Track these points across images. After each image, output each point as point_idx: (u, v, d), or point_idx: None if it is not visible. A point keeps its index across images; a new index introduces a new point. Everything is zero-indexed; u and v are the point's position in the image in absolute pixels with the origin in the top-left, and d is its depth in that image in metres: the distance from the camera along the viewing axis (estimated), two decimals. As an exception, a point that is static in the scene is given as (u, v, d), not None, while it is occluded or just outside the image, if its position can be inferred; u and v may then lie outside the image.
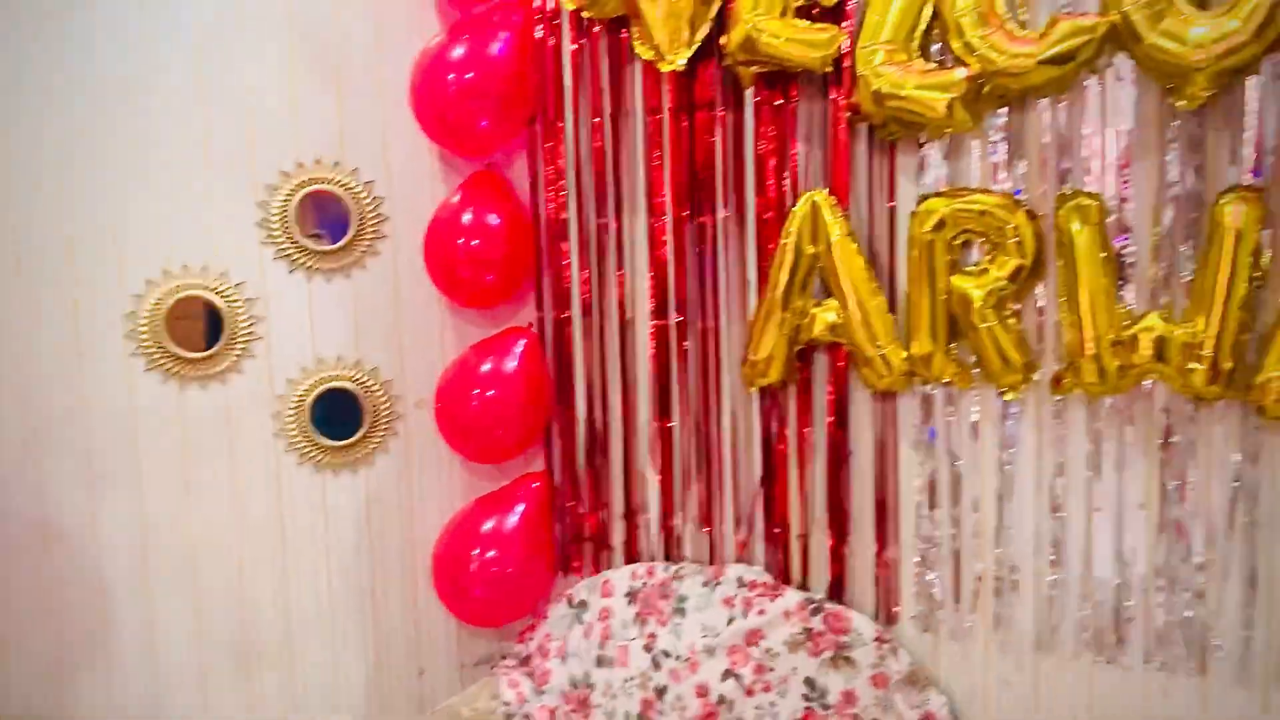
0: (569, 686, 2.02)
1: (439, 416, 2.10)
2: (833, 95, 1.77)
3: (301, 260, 2.08)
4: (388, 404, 2.17)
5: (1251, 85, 1.50)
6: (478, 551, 2.07)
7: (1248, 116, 1.51)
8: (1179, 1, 1.48)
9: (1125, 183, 1.60)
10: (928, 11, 1.66)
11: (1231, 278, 1.50)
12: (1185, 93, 1.50)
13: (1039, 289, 1.67)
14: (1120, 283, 1.60)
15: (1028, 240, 1.64)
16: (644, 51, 1.90)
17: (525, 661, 2.11)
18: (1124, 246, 1.60)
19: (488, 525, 2.09)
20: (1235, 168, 1.53)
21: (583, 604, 2.06)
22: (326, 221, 2.09)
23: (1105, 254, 1.60)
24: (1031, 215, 1.65)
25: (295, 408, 2.09)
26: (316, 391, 2.10)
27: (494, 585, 2.07)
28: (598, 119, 2.00)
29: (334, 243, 2.09)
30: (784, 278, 1.80)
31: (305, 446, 2.11)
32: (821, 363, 1.86)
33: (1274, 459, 1.56)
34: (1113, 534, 1.67)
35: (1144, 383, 1.61)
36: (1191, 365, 1.55)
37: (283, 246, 2.07)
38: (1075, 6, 1.58)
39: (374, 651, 2.20)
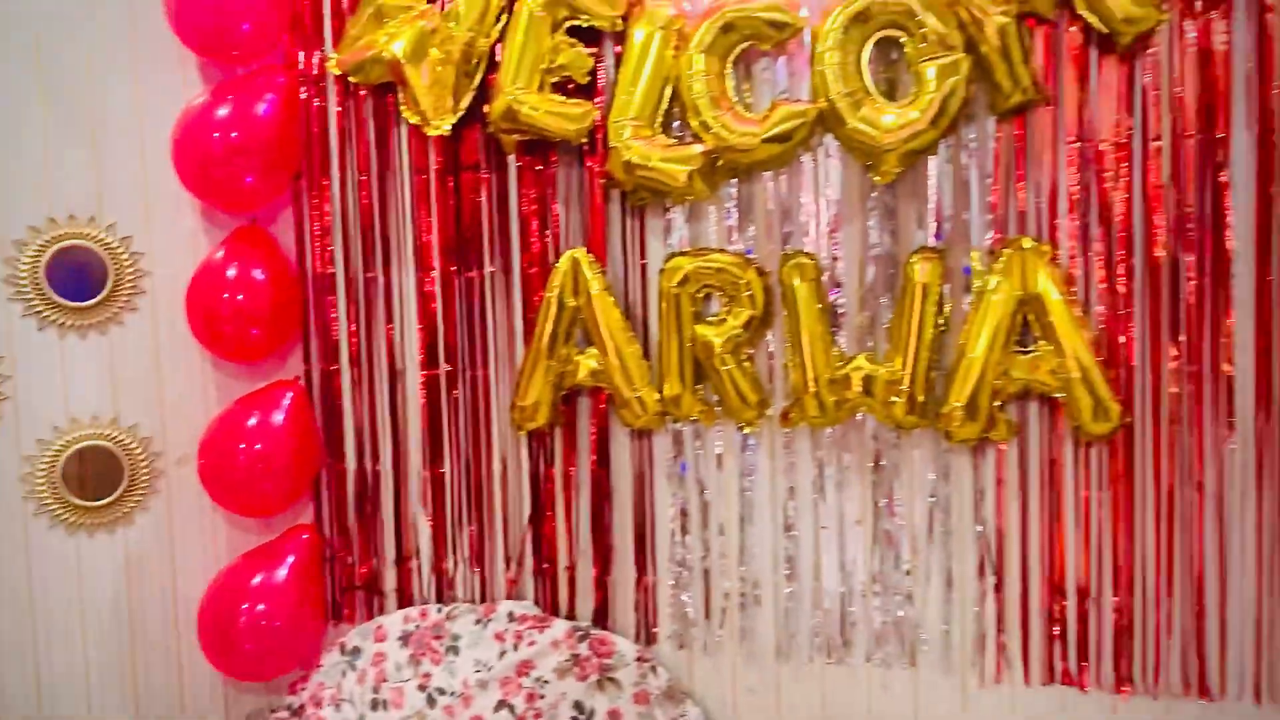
0: (344, 733, 2.05)
1: (204, 472, 2.09)
2: (589, 163, 1.96)
3: (52, 317, 2.03)
4: (147, 462, 2.13)
5: (932, 164, 1.81)
6: (246, 606, 2.06)
7: (930, 190, 1.82)
8: (873, 93, 1.78)
9: (835, 244, 1.87)
10: (668, 93, 1.88)
11: (920, 324, 1.80)
12: (880, 169, 1.79)
13: (769, 336, 1.92)
14: (834, 329, 1.87)
15: (758, 294, 1.88)
16: (410, 116, 2.02)
17: (298, 712, 2.11)
18: (836, 299, 1.88)
19: (256, 579, 2.08)
20: (922, 232, 1.83)
21: (355, 650, 2.10)
22: (80, 278, 2.05)
23: (821, 305, 1.86)
24: (761, 272, 1.89)
25: (46, 468, 2.02)
26: (69, 451, 2.04)
27: (264, 638, 2.07)
28: (365, 177, 2.08)
29: (89, 299, 2.05)
30: (549, 328, 1.96)
31: (57, 508, 2.03)
32: (584, 406, 2.02)
33: (961, 476, 1.86)
34: (836, 548, 1.92)
35: (856, 414, 1.88)
36: (893, 399, 1.83)
37: (31, 303, 2.01)
38: (792, 93, 1.85)
39: (136, 715, 2.12)
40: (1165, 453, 1.76)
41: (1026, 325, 1.78)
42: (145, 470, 2.13)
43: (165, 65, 2.10)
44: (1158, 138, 1.72)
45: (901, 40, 1.76)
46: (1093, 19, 1.70)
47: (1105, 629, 1.81)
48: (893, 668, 1.92)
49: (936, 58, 1.72)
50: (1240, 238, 1.71)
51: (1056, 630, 1.83)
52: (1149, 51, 1.71)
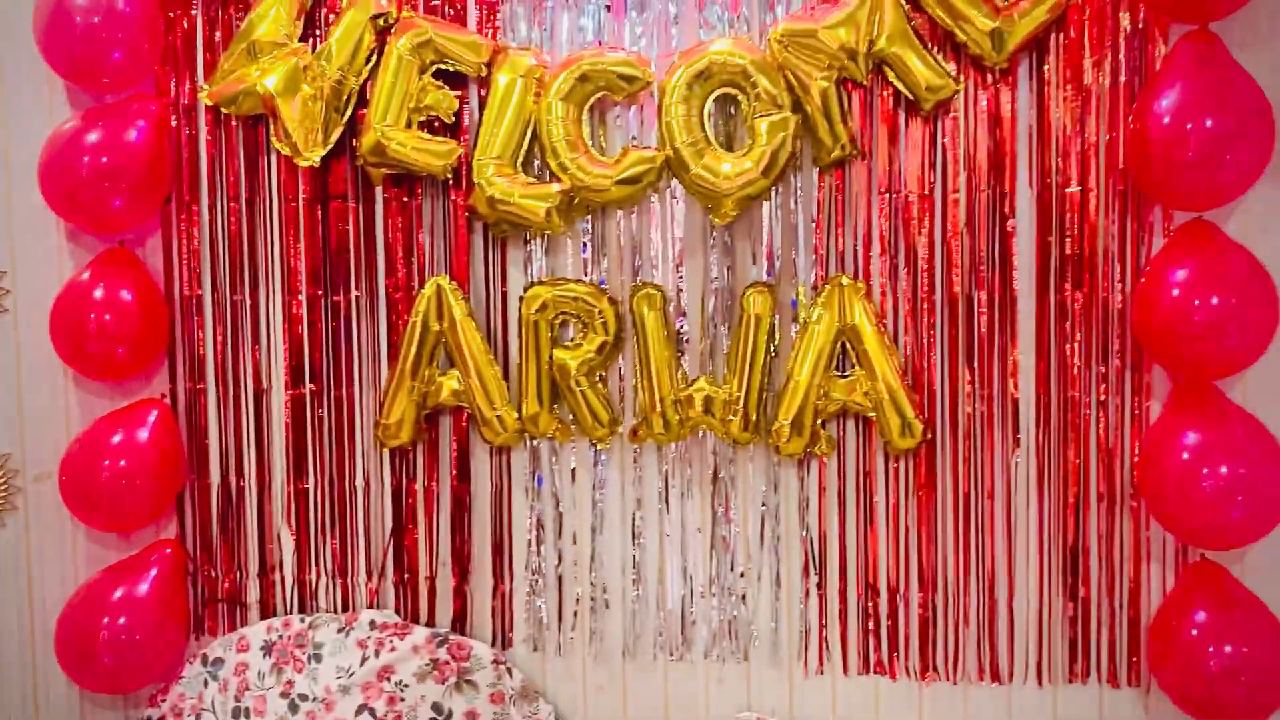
0: (205, 741, 2.11)
1: (66, 489, 2.11)
2: (453, 196, 2.10)
3: (-91, 332, 2.03)
4: (4, 479, 2.15)
5: (765, 208, 2.03)
6: (107, 620, 2.10)
7: (763, 231, 2.03)
8: (713, 144, 1.99)
9: (680, 277, 2.06)
10: (529, 135, 2.04)
11: (754, 351, 2.00)
12: (719, 212, 2.00)
13: (619, 360, 2.09)
14: (679, 354, 2.06)
15: (610, 321, 2.05)
16: (281, 147, 2.11)
17: (158, 723, 2.16)
18: (681, 326, 2.07)
19: (118, 593, 2.12)
20: (756, 268, 2.04)
21: (218, 661, 2.16)
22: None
23: (667, 332, 2.05)
24: (613, 301, 2.06)
25: (-101, 484, 2.02)
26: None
27: (124, 652, 2.10)
28: (234, 203, 2.17)
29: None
30: (413, 351, 2.08)
31: (-92, 524, 2.03)
32: (446, 424, 2.15)
33: (789, 487, 2.07)
34: (679, 554, 2.10)
35: (697, 432, 2.07)
36: (730, 417, 2.03)
37: (-113, 318, 2.01)
38: (641, 140, 2.04)
39: (-9, 730, 2.13)
40: (962, 465, 2.01)
41: (844, 352, 2.00)
42: (2, 488, 2.14)
43: (33, 90, 2.15)
44: (955, 190, 1.98)
45: (738, 97, 1.97)
46: (900, 86, 1.95)
47: (912, 622, 2.04)
48: (727, 662, 2.10)
49: (768, 115, 1.94)
50: (1023, 279, 1.98)
51: (870, 625, 2.06)
52: (948, 115, 1.97)
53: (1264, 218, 1.90)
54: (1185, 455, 1.84)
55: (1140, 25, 1.91)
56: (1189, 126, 1.79)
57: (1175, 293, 1.83)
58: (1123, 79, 1.92)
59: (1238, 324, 1.82)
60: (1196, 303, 1.81)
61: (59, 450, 2.16)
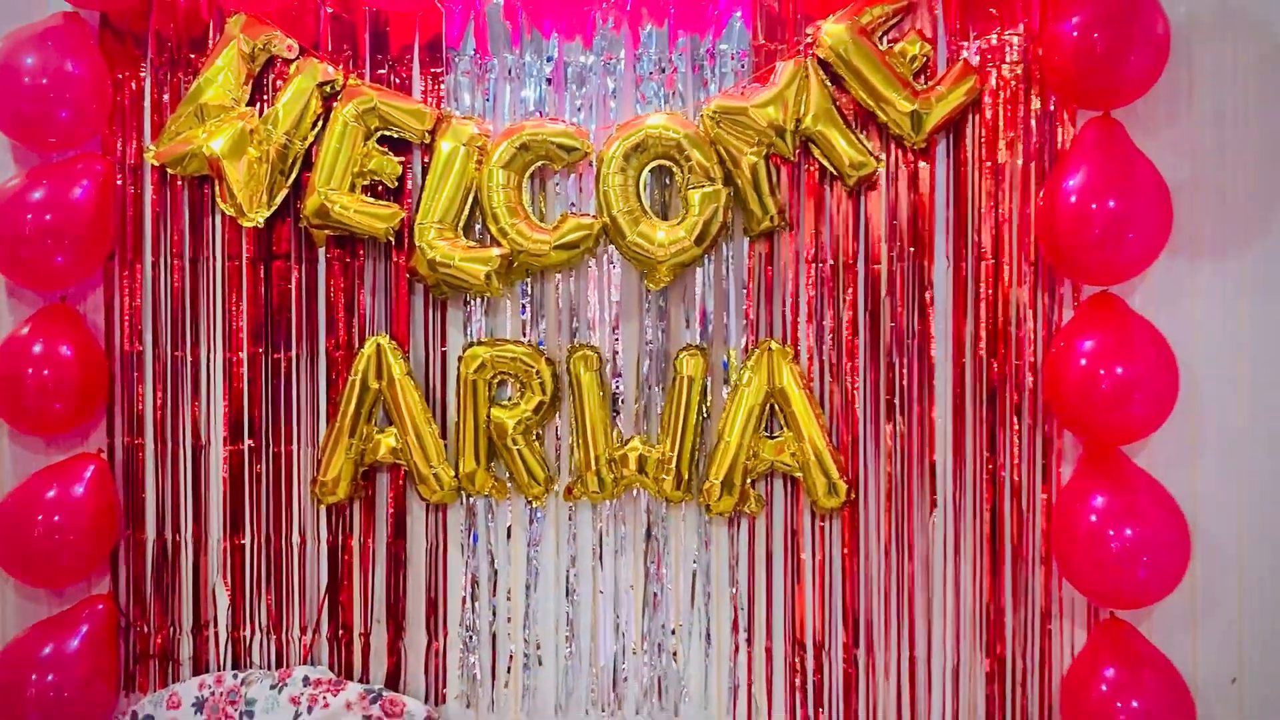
0: (132, 800, 2.09)
1: (-2, 544, 2.12)
2: (395, 257, 2.15)
3: None
4: (-66, 532, 2.13)
5: (698, 274, 2.11)
6: (35, 677, 2.09)
7: (695, 296, 2.11)
8: (649, 213, 2.07)
9: (616, 339, 2.13)
10: (470, 200, 2.11)
11: (686, 411, 2.07)
12: (654, 277, 2.07)
13: (556, 419, 2.15)
14: (614, 414, 2.12)
15: (547, 381, 2.11)
16: (226, 208, 2.15)
17: (84, 782, 2.14)
18: (616, 387, 2.13)
19: (46, 650, 2.11)
20: (688, 331, 2.12)
21: (149, 718, 2.15)
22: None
23: (603, 393, 2.11)
24: (550, 362, 2.12)
25: None
26: None
27: (52, 710, 2.09)
28: (178, 260, 2.20)
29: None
30: (351, 409, 2.12)
31: None
32: (383, 481, 2.18)
33: (719, 544, 2.13)
34: (612, 611, 2.15)
35: (631, 490, 2.13)
36: (663, 476, 2.09)
37: None
38: (580, 207, 2.12)
39: (-89, 790, 2.09)
40: (884, 525, 2.08)
41: (773, 414, 2.08)
42: (-68, 542, 2.12)
43: (-25, 145, 2.18)
44: (878, 261, 2.07)
45: (673, 169, 2.06)
46: (825, 162, 2.05)
47: (836, 678, 2.10)
48: (657, 717, 2.14)
49: (701, 186, 2.02)
50: (940, 346, 2.07)
51: (797, 680, 2.11)
52: (871, 190, 2.07)
53: (1165, 292, 2.02)
54: (1093, 518, 1.93)
55: (1050, 109, 2.04)
56: (1093, 206, 1.90)
57: (1082, 362, 1.93)
58: (1033, 158, 2.04)
59: (1141, 393, 1.92)
60: (1102, 372, 1.91)
61: (-9, 505, 2.16)
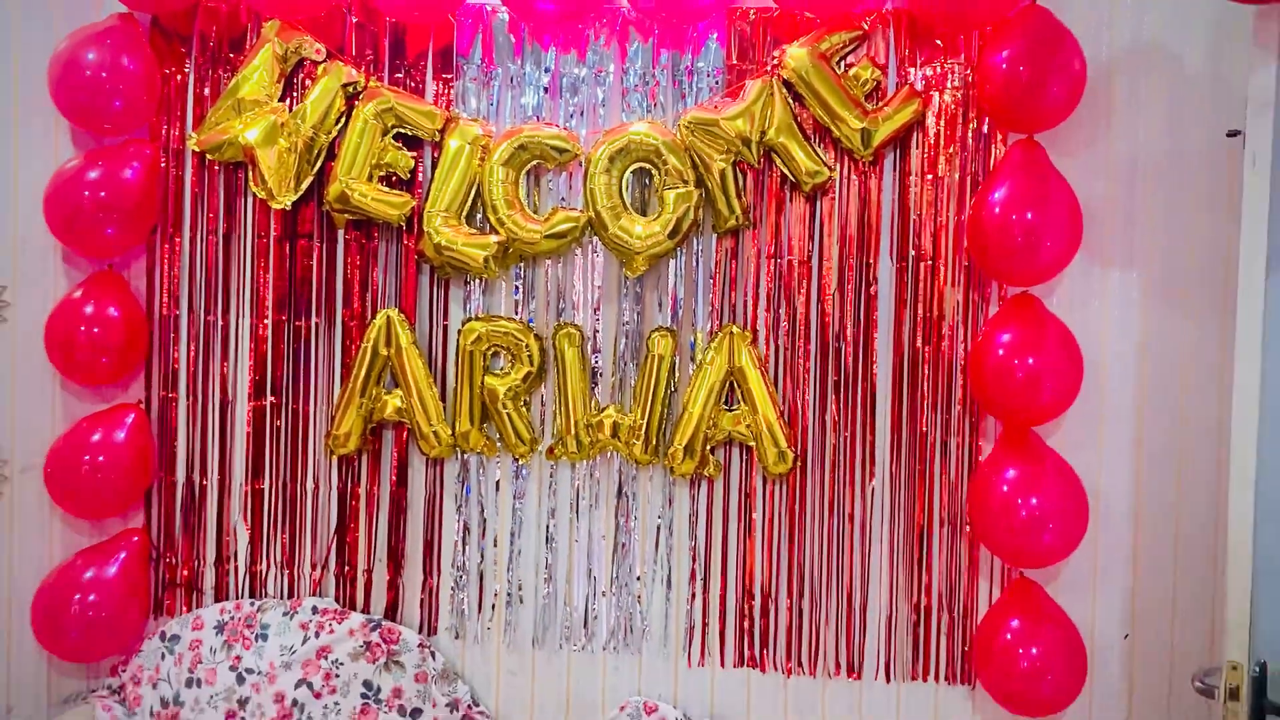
0: (159, 706, 2.39)
1: (50, 479, 2.40)
2: (406, 241, 2.44)
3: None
4: (-7, 468, 2.43)
5: (671, 265, 2.39)
6: (79, 596, 2.38)
7: (668, 284, 2.39)
8: (629, 209, 2.35)
9: (597, 319, 2.42)
10: (473, 192, 2.39)
11: (656, 385, 2.36)
12: (632, 266, 2.35)
13: (541, 388, 2.44)
14: (592, 385, 2.41)
15: (535, 354, 2.40)
16: (258, 191, 2.44)
17: (118, 691, 2.43)
18: (595, 362, 2.42)
19: (89, 574, 2.41)
20: (660, 315, 2.40)
21: (174, 638, 2.44)
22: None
23: (584, 366, 2.40)
24: (538, 337, 2.41)
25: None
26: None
27: (91, 626, 2.38)
28: (213, 236, 2.49)
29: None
30: (363, 372, 2.41)
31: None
32: (388, 436, 2.47)
33: (681, 503, 2.42)
34: (585, 558, 2.44)
35: (606, 453, 2.42)
36: (633, 441, 2.37)
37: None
38: (569, 202, 2.40)
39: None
40: (827, 490, 2.37)
41: (732, 390, 2.37)
42: (-9, 476, 2.42)
43: (42, 129, 2.46)
44: (829, 259, 2.36)
45: (651, 171, 2.34)
46: (785, 170, 2.34)
47: (780, 623, 2.39)
48: (622, 654, 2.43)
49: (675, 188, 2.31)
50: (882, 335, 2.35)
51: (745, 624, 2.40)
52: (825, 195, 2.35)
53: (1075, 295, 2.30)
54: (1006, 488, 2.21)
55: (984, 131, 2.31)
56: (1014, 218, 2.18)
57: (1001, 353, 2.21)
58: (968, 173, 2.32)
59: (1050, 381, 2.20)
60: (1016, 362, 2.19)
61: (44, 446, 2.45)
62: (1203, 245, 2.26)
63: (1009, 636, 2.23)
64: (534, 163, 2.38)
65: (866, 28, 2.33)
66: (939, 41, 2.32)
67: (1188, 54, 2.29)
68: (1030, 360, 2.19)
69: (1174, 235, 2.29)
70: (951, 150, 2.32)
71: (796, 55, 2.30)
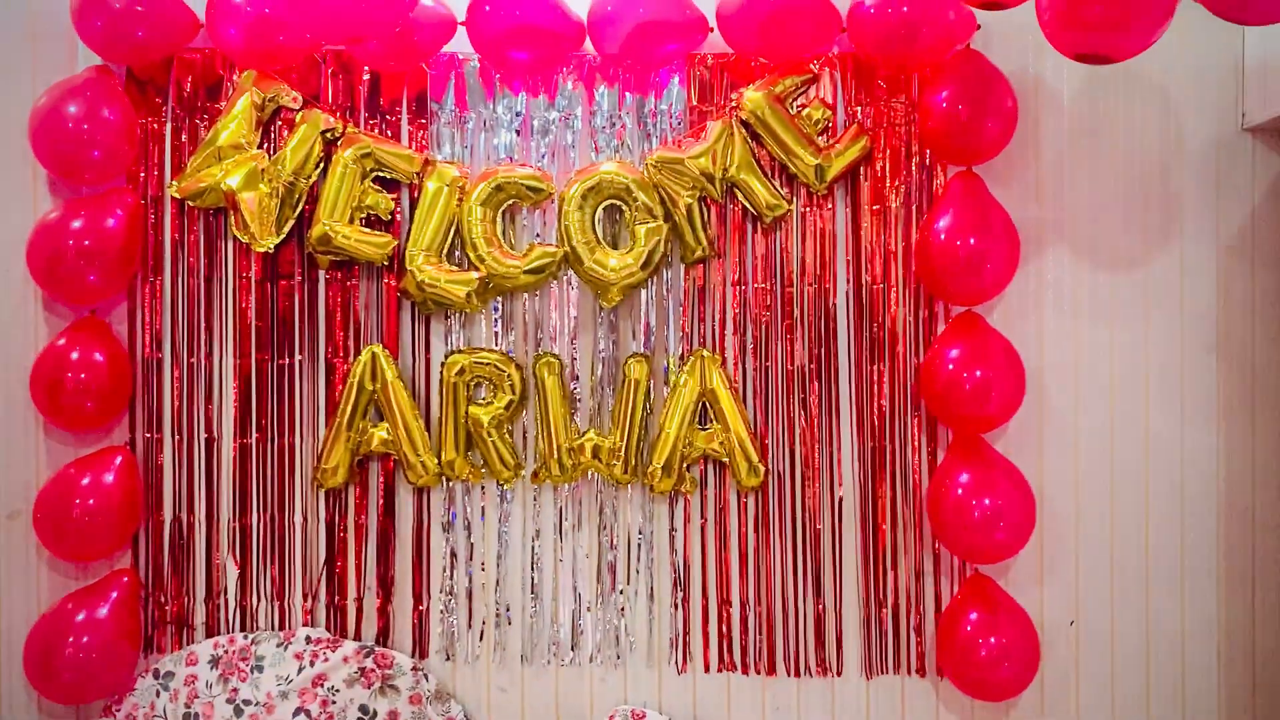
0: (158, 743, 2.43)
1: (40, 524, 2.42)
2: (387, 279, 2.54)
3: (-97, 386, 2.33)
4: (-23, 515, 2.45)
5: (643, 294, 2.53)
6: (71, 639, 2.41)
7: (641, 312, 2.54)
8: (602, 243, 2.49)
9: (575, 348, 2.55)
10: (452, 231, 2.51)
11: (633, 408, 2.50)
12: (607, 296, 2.49)
13: (524, 415, 2.55)
14: (573, 411, 2.54)
15: (516, 383, 2.52)
16: (240, 235, 2.51)
17: (115, 729, 2.47)
18: (574, 388, 2.55)
19: (81, 615, 2.43)
20: (635, 341, 2.54)
21: (169, 674, 2.49)
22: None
23: (563, 393, 2.52)
24: (519, 367, 2.53)
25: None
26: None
27: (84, 667, 2.41)
28: (194, 279, 2.55)
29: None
30: (350, 407, 2.50)
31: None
32: (375, 468, 2.56)
33: (660, 519, 2.55)
34: (570, 576, 2.56)
35: (587, 474, 2.55)
36: (613, 462, 2.51)
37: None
38: (545, 238, 2.53)
39: (-31, 734, 2.40)
40: (797, 501, 2.53)
41: (705, 410, 2.52)
42: (-24, 523, 2.44)
43: (20, 180, 2.50)
44: (790, 284, 2.53)
45: (622, 207, 2.49)
46: (747, 204, 2.51)
47: (759, 628, 2.54)
48: (609, 665, 2.55)
49: (646, 222, 2.46)
50: (842, 354, 2.53)
51: (724, 630, 2.54)
52: (784, 226, 2.53)
53: (1015, 312, 2.52)
54: (959, 491, 2.40)
55: (926, 164, 2.52)
56: (958, 243, 2.38)
57: (950, 367, 2.41)
58: (914, 203, 2.52)
59: (996, 391, 2.40)
60: (965, 375, 2.39)
61: (27, 491, 2.48)
62: (1124, 262, 2.50)
63: (968, 629, 2.42)
64: (510, 201, 2.50)
65: (815, 70, 2.51)
66: (882, 83, 2.52)
67: (1098, 96, 2.54)
68: (977, 373, 2.39)
69: (1100, 253, 2.53)
70: (897, 182, 2.52)
71: (753, 98, 2.48)
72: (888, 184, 2.52)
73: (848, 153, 2.49)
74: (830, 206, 2.53)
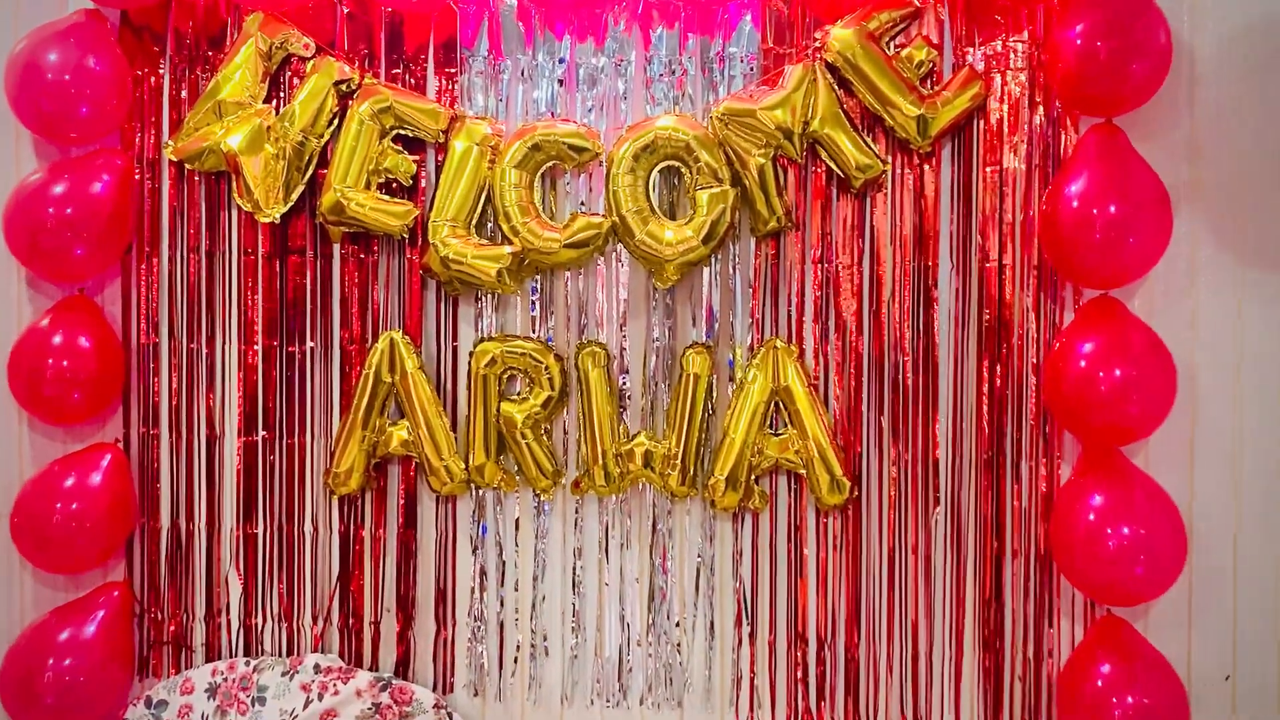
0: (146, 783, 2.14)
1: (17, 530, 2.15)
2: (409, 253, 2.19)
3: None
4: (-46, 519, 2.18)
5: (705, 273, 2.14)
6: (53, 661, 2.13)
7: (702, 294, 2.15)
8: (657, 213, 2.10)
9: (624, 336, 2.17)
10: (482, 199, 2.15)
11: (692, 408, 2.11)
12: (661, 275, 2.11)
13: (564, 414, 2.19)
14: (621, 410, 2.16)
15: (556, 377, 2.15)
16: (243, 203, 2.19)
17: (99, 765, 2.18)
18: (623, 383, 2.17)
19: (64, 635, 2.15)
20: (695, 330, 2.15)
21: (162, 703, 2.19)
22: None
23: (610, 389, 2.15)
24: (559, 358, 2.16)
25: None
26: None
27: (68, 693, 2.13)
28: (194, 254, 2.24)
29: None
30: (365, 402, 2.16)
31: None
32: (394, 472, 2.22)
33: (723, 539, 2.17)
34: (617, 603, 2.19)
35: (637, 485, 2.17)
36: (668, 471, 2.13)
37: None
38: (589, 207, 2.16)
39: (-69, 770, 2.14)
40: (886, 521, 2.12)
41: (777, 412, 2.12)
42: (-48, 528, 2.17)
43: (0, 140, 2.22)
44: (883, 262, 2.11)
45: (681, 170, 2.10)
46: (832, 164, 2.09)
47: (838, 671, 2.14)
48: (662, 709, 2.18)
49: (709, 187, 2.06)
50: (944, 346, 2.11)
51: (799, 673, 2.15)
52: (877, 192, 2.11)
53: (1163, 297, 2.05)
54: (1092, 516, 1.96)
55: (1053, 115, 2.07)
56: (1094, 211, 1.93)
57: (1082, 364, 1.96)
58: (1037, 164, 2.07)
59: (1139, 394, 1.95)
60: (1101, 374, 1.95)
61: (9, 492, 2.21)
62: (1305, 237, 2.02)
63: (1099, 683, 1.98)
64: (550, 164, 2.13)
65: (918, 3, 2.08)
66: (999, 17, 2.08)
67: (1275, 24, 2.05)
68: (1116, 372, 1.95)
69: (1269, 225, 2.05)
70: (1017, 138, 2.08)
71: (842, 36, 2.06)
72: (1005, 140, 2.08)
73: (957, 102, 2.05)
74: (934, 168, 2.09)
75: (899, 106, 2.05)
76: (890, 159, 2.10)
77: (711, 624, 2.17)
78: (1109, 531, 1.95)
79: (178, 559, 2.26)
